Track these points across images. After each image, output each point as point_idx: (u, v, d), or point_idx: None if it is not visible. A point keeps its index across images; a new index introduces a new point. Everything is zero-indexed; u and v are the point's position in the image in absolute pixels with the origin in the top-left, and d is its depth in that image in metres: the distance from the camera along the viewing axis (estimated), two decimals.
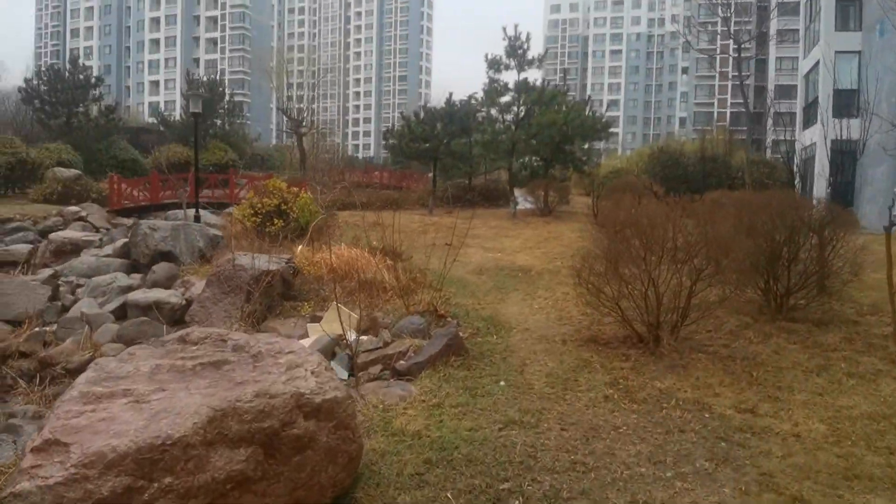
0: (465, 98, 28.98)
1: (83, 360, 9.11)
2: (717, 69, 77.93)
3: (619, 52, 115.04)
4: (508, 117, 26.14)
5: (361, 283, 10.13)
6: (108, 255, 14.18)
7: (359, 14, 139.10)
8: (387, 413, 5.27)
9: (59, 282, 12.77)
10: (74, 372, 8.82)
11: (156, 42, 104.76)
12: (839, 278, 9.45)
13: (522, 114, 25.77)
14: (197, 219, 18.20)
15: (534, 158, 27.29)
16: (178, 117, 48.39)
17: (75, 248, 16.14)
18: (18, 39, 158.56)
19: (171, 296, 10.68)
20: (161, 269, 12.24)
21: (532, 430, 5.05)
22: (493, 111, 26.32)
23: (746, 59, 41.33)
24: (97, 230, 21.76)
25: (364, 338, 7.97)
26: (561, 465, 4.51)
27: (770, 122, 42.65)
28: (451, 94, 29.59)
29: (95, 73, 52.74)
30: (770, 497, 4.22)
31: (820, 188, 24.03)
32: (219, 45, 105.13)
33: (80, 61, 44.07)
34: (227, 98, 46.02)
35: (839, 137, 22.17)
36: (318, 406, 3.43)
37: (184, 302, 10.54)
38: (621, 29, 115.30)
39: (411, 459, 4.40)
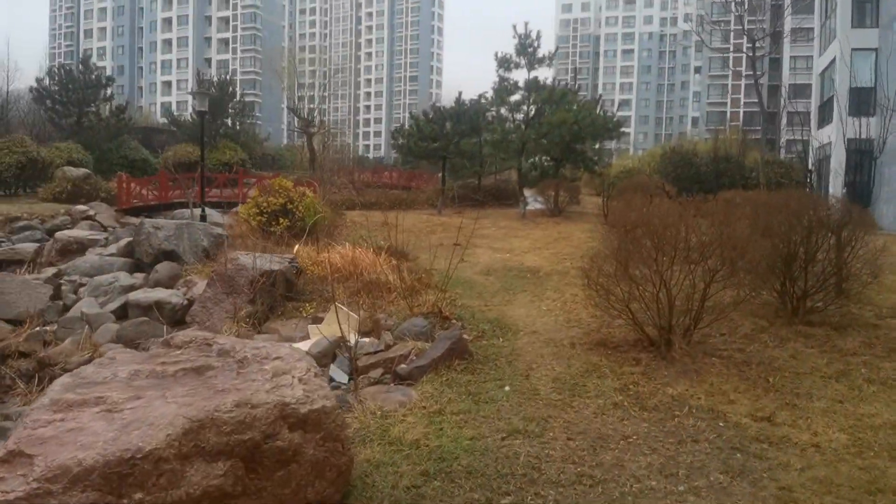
0: (475, 97, 28.74)
1: (82, 360, 8.93)
2: (731, 68, 77.18)
3: (631, 51, 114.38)
4: (518, 116, 25.83)
5: (365, 283, 9.93)
6: (112, 255, 14.05)
7: (370, 14, 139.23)
8: (385, 420, 5.03)
9: (62, 281, 12.65)
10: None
11: (168, 43, 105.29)
12: (858, 280, 9.15)
13: (532, 113, 25.47)
14: (203, 218, 18.07)
15: (544, 158, 26.98)
16: (189, 117, 48.48)
17: (81, 247, 16.02)
18: (32, 41, 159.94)
19: (172, 296, 10.51)
20: (164, 268, 12.08)
21: (537, 439, 4.80)
22: (503, 110, 26.01)
23: (760, 58, 40.76)
24: (105, 229, 21.70)
25: (366, 340, 7.75)
26: (566, 478, 4.25)
27: (784, 121, 42.09)
28: (460, 93, 29.35)
29: (108, 73, 53.01)
30: None
31: (836, 188, 23.59)
32: (230, 46, 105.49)
33: (93, 62, 44.28)
34: (237, 98, 45.98)
35: (856, 136, 21.74)
36: (305, 416, 3.20)
37: (185, 302, 10.36)
38: (633, 28, 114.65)
39: (408, 471, 4.16)
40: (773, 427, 5.35)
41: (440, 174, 31.56)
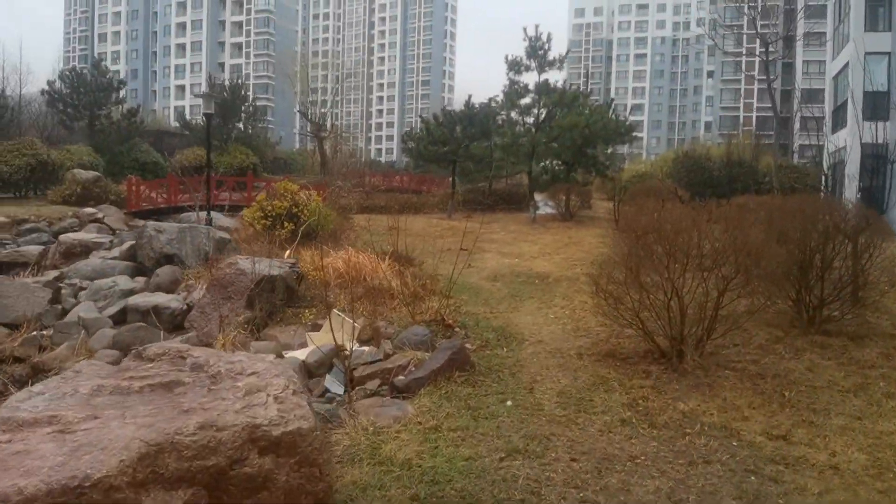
0: (486, 101, 28.47)
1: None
2: (744, 72, 76.43)
3: (644, 56, 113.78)
4: (529, 120, 25.51)
5: (368, 289, 9.66)
6: (114, 258, 13.88)
7: (383, 19, 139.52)
8: (377, 437, 4.74)
9: (63, 284, 12.47)
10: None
11: (181, 47, 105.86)
12: (876, 289, 8.80)
13: (543, 116, 25.14)
14: (209, 221, 17.90)
15: (555, 162, 26.66)
16: (200, 121, 48.57)
17: (85, 250, 15.89)
18: (47, 44, 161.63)
19: (171, 300, 10.28)
20: (165, 272, 11.87)
21: (538, 460, 4.48)
22: (513, 114, 25.69)
23: (773, 62, 40.19)
24: (113, 232, 21.63)
25: (365, 349, 7.48)
26: None
27: (797, 126, 41.52)
28: (470, 97, 29.11)
29: (122, 77, 53.27)
30: None
31: (850, 193, 23.10)
32: (244, 50, 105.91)
33: (105, 65, 44.43)
34: (248, 102, 45.98)
35: (871, 141, 21.26)
36: (277, 439, 2.92)
37: (184, 307, 10.13)
38: (646, 33, 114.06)
39: (396, 495, 3.86)
40: (789, 446, 5.03)
41: (451, 178, 31.33)
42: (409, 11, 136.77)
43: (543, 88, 24.47)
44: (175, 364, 3.46)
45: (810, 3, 42.05)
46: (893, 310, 9.33)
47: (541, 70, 24.59)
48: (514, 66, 24.84)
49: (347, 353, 6.39)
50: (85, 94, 37.66)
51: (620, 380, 6.34)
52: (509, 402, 5.62)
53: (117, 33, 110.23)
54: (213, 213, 20.79)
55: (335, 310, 8.14)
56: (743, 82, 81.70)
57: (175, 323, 9.91)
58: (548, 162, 26.74)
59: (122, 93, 40.64)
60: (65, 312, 11.11)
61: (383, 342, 7.26)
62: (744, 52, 65.66)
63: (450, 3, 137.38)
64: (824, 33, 37.63)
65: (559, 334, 8.23)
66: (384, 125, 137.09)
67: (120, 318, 10.41)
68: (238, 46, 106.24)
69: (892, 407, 5.90)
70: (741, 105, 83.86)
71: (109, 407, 2.96)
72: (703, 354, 6.91)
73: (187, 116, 49.96)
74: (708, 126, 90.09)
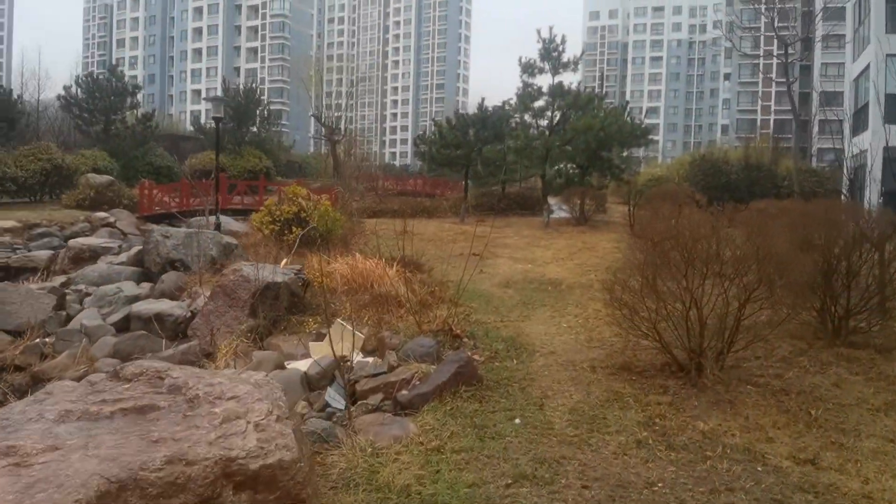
0: (499, 104, 28.21)
1: (77, 375, 8.54)
2: (761, 74, 75.50)
3: (660, 58, 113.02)
4: (542, 123, 25.23)
5: (374, 297, 9.39)
6: (121, 263, 13.73)
7: (397, 23, 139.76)
8: (375, 459, 4.44)
9: (69, 290, 12.32)
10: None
11: (198, 52, 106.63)
12: None
13: (557, 119, 24.83)
14: (218, 226, 17.74)
15: (569, 165, 26.31)
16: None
17: (93, 255, 15.77)
18: (66, 50, 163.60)
19: (174, 308, 10.07)
20: (170, 278, 11.68)
21: (546, 487, 4.16)
22: (527, 116, 25.41)
23: (792, 65, 39.52)
24: (125, 236, 21.55)
25: (369, 360, 7.21)
26: None
27: (815, 129, 40.85)
28: (483, 100, 28.87)
29: (139, 82, 53.55)
30: None
31: (873, 197, 22.53)
32: (259, 55, 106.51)
33: (122, 70, 44.66)
34: (261, 105, 45.98)
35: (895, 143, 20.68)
36: (255, 474, 2.65)
37: (188, 314, 9.91)
38: (662, 35, 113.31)
39: None
40: (818, 472, 4.68)
41: (463, 182, 31.07)
42: (424, 15, 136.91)
43: (557, 91, 24.16)
44: (152, 385, 3.20)
45: (829, 5, 41.41)
46: None
47: (555, 72, 24.28)
48: (528, 68, 24.55)
49: (349, 365, 6.11)
50: (100, 99, 37.84)
51: (636, 395, 6.01)
52: (518, 420, 5.31)
53: (135, 39, 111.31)
54: (224, 218, 20.66)
55: (338, 319, 7.88)
56: (760, 85, 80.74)
57: (178, 331, 9.71)
58: (562, 165, 26.41)
59: (137, 97, 40.79)
60: (69, 319, 10.95)
61: (388, 353, 6.98)
62: (761, 55, 64.90)
63: (464, 7, 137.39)
64: (843, 35, 37.02)
65: (572, 345, 7.91)
66: (398, 129, 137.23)
67: (123, 326, 10.22)
68: (253, 51, 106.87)
69: None
70: (758, 108, 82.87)
71: (74, 435, 2.70)
72: (724, 368, 6.56)
73: (202, 121, 50.08)
74: (724, 129, 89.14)
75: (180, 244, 12.61)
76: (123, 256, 14.32)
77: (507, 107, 26.89)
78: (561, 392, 6.11)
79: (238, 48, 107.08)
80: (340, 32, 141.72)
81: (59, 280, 13.60)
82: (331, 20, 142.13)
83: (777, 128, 72.63)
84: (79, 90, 38.15)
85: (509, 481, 4.20)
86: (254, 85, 48.49)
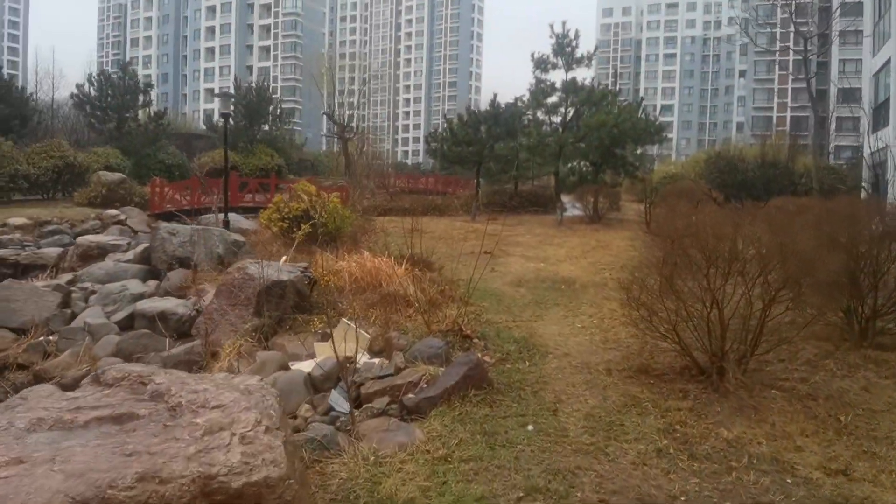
0: (511, 100, 27.87)
1: (79, 374, 8.36)
2: (778, 71, 74.56)
3: (674, 55, 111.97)
4: (556, 119, 24.85)
5: (383, 296, 9.13)
6: (128, 261, 13.57)
7: (409, 21, 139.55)
8: (378, 468, 4.17)
9: (74, 288, 12.16)
10: (68, 388, 8.09)
11: (211, 51, 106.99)
12: None
13: (570, 115, 24.44)
14: (226, 223, 17.56)
15: (582, 163, 25.92)
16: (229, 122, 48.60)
17: (102, 253, 15.65)
18: (81, 50, 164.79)
19: (179, 306, 9.87)
20: (176, 276, 11.49)
21: (561, 501, 3.87)
22: (539, 113, 25.03)
23: (809, 61, 38.90)
24: (135, 233, 21.48)
25: (375, 360, 6.95)
26: None
27: (833, 126, 40.13)
28: (495, 96, 28.53)
29: (153, 80, 53.68)
30: None
31: (894, 194, 22.02)
32: (271, 53, 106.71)
33: (135, 68, 44.80)
34: (273, 104, 45.88)
35: None
36: (238, 492, 2.40)
37: (193, 313, 9.71)
38: (675, 32, 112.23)
39: None
40: (851, 484, 4.38)
41: (475, 180, 30.76)
42: (436, 13, 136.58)
43: (571, 87, 23.79)
44: (134, 391, 2.96)
45: (846, 1, 40.73)
46: None
47: (568, 68, 23.91)
48: (541, 63, 24.18)
49: (354, 366, 5.86)
50: (113, 97, 37.91)
51: (655, 400, 5.71)
52: (530, 427, 5.02)
53: (149, 38, 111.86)
54: (234, 215, 20.51)
55: (343, 319, 7.64)
56: (777, 81, 79.77)
57: (182, 329, 9.52)
58: (575, 163, 26.02)
59: (150, 95, 40.83)
60: (73, 317, 10.80)
61: (395, 354, 6.71)
62: (777, 50, 64.04)
63: (476, 4, 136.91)
64: (860, 31, 36.34)
65: (586, 346, 7.61)
66: (411, 126, 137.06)
67: (128, 324, 10.05)
68: (266, 49, 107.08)
69: None
70: (774, 105, 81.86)
71: (43, 447, 2.46)
72: (746, 371, 6.25)
73: (214, 119, 50.10)
74: (740, 126, 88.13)
75: (186, 242, 12.42)
76: (131, 254, 14.17)
77: (519, 103, 26.53)
78: (575, 396, 5.82)
79: (251, 47, 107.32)
80: (353, 30, 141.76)
81: (65, 277, 13.47)
82: (343, 18, 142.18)
83: (793, 125, 71.72)
84: (91, 88, 38.24)
85: (521, 494, 3.92)
86: (266, 83, 48.43)
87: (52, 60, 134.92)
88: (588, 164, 25.55)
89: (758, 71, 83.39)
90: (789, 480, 4.35)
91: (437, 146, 30.61)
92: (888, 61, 25.22)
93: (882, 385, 6.51)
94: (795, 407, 5.71)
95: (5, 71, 39.71)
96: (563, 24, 23.93)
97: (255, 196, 29.15)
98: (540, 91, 24.31)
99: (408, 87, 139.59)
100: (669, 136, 78.18)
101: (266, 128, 44.30)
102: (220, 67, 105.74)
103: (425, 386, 5.70)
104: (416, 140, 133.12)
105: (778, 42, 64.59)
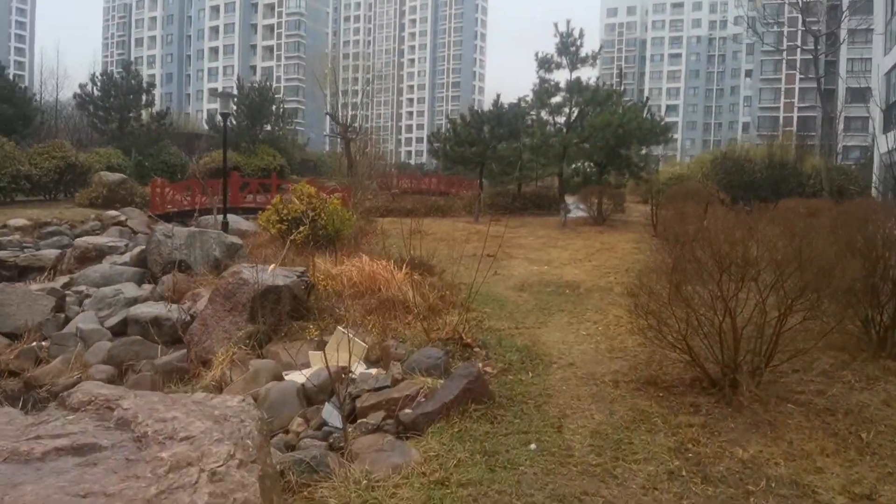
0: (515, 100, 27.58)
1: (69, 382, 8.12)
2: (784, 71, 74.07)
3: (679, 55, 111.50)
4: (560, 119, 24.54)
5: (381, 301, 8.87)
6: (124, 264, 13.33)
7: (413, 21, 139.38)
8: (370, 493, 3.90)
9: (69, 291, 11.93)
10: (58, 395, 7.87)
11: (214, 50, 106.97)
12: None
13: (575, 115, 24.15)
14: (225, 225, 17.32)
15: (586, 163, 25.63)
16: (229, 122, 48.42)
17: (99, 254, 15.43)
18: (86, 50, 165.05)
19: (172, 311, 9.62)
20: (171, 280, 11.24)
21: None
22: (543, 113, 24.73)
23: (818, 60, 38.50)
24: (135, 235, 21.26)
25: (372, 371, 6.69)
26: None
27: (841, 126, 39.74)
28: (498, 96, 28.26)
29: (157, 80, 53.57)
30: None
31: None
32: (275, 53, 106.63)
33: (138, 68, 44.68)
34: (276, 103, 45.68)
35: None
36: None
37: (187, 318, 9.45)
38: (681, 32, 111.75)
39: None
40: None
41: (478, 180, 30.48)
42: (440, 13, 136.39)
43: (575, 86, 23.49)
44: (101, 417, 2.70)
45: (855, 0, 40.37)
46: None
47: (572, 67, 23.62)
48: (545, 63, 23.89)
49: (350, 377, 5.59)
50: (116, 97, 37.80)
51: (664, 415, 5.43)
52: (533, 446, 4.74)
53: (153, 38, 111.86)
54: (233, 217, 20.28)
55: (339, 327, 7.37)
56: (784, 81, 79.24)
57: (176, 336, 9.26)
58: (579, 163, 25.75)
59: (152, 95, 40.70)
60: (67, 321, 10.56)
61: (392, 365, 6.44)
62: (785, 49, 63.60)
63: (480, 5, 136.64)
64: (870, 30, 35.96)
65: (592, 355, 7.33)
66: (414, 127, 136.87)
67: (121, 329, 9.81)
68: (269, 49, 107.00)
69: None
70: (781, 105, 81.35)
71: None
72: (760, 384, 5.96)
73: (217, 119, 49.90)
74: (746, 127, 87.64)
75: (183, 244, 12.18)
76: (127, 256, 13.94)
77: (523, 103, 26.25)
78: (581, 411, 5.53)
79: (254, 47, 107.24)
80: (356, 31, 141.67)
81: (62, 280, 13.27)
82: (346, 18, 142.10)
83: (800, 125, 71.29)
84: (95, 88, 38.12)
85: None
86: (268, 83, 48.21)
87: (57, 61, 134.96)
88: (592, 164, 25.27)
89: (764, 70, 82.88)
90: None
91: (439, 146, 30.32)
92: None
93: None
94: (813, 423, 5.42)
95: (11, 71, 39.64)
96: (568, 23, 23.68)
97: (256, 196, 28.96)
98: (544, 90, 24.03)
99: (411, 87, 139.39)
100: (674, 136, 77.78)
101: (269, 128, 44.12)
102: (224, 67, 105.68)
103: (423, 400, 5.43)
104: (420, 140, 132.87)
105: (785, 41, 64.16)
